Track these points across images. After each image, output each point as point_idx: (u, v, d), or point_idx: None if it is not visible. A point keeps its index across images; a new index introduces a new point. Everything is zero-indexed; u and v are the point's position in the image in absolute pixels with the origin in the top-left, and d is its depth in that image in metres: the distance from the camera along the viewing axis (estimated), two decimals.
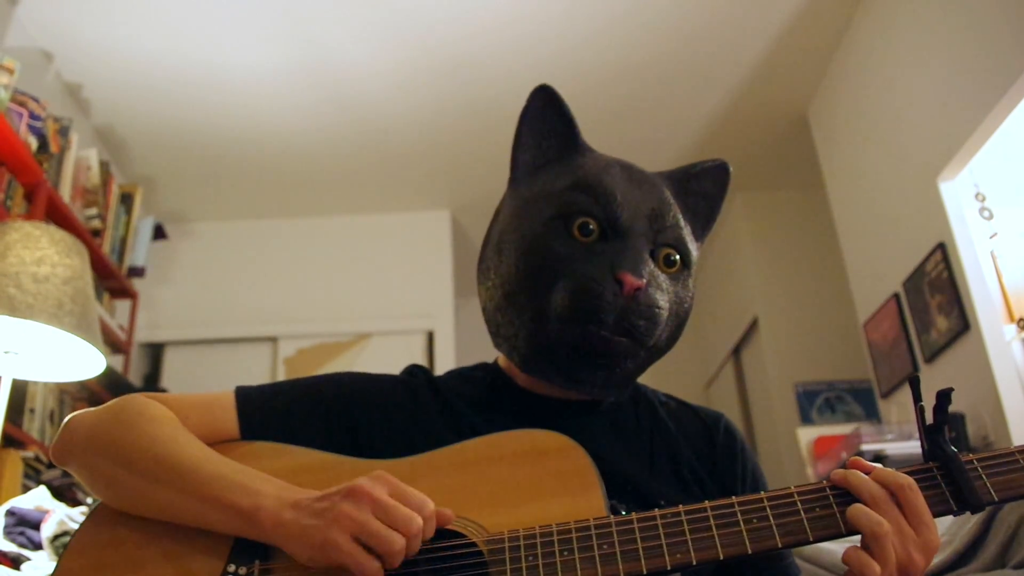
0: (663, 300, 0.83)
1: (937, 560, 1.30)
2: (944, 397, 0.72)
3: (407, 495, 0.70)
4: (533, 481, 0.76)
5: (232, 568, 0.73)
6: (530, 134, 0.94)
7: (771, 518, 0.70)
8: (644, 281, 0.81)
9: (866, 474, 0.71)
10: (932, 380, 2.83)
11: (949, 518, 1.32)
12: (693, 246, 0.91)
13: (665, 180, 0.93)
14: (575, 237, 0.84)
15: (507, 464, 0.78)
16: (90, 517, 0.80)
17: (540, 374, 0.86)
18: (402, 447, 0.83)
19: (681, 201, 0.93)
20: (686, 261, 0.88)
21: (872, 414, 3.70)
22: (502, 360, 0.96)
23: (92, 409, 0.83)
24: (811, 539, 0.69)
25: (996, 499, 0.70)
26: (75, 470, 0.82)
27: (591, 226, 0.84)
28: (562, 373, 0.85)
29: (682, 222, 0.89)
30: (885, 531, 0.67)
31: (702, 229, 0.96)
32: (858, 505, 0.69)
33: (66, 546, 0.77)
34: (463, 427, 0.86)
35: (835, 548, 1.40)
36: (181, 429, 0.81)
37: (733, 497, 0.72)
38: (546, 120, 0.94)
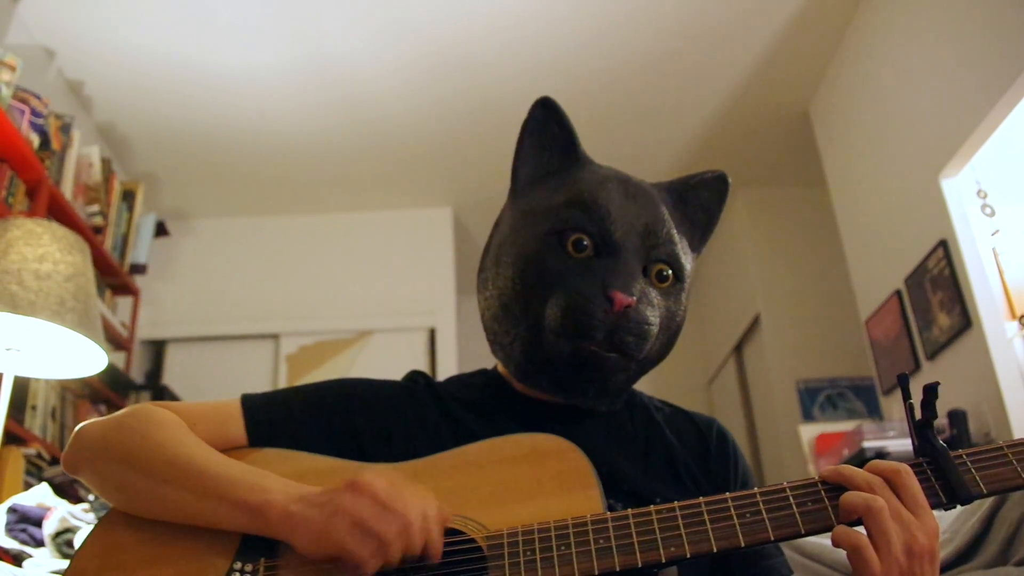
0: (653, 316, 0.84)
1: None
2: (930, 392, 0.74)
3: (404, 490, 0.71)
4: (532, 481, 0.78)
5: (238, 565, 0.74)
6: (531, 146, 0.96)
7: (763, 512, 0.71)
8: (634, 298, 0.82)
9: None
10: (934, 377, 2.82)
11: (950, 515, 1.32)
12: (687, 259, 0.92)
13: (663, 192, 0.94)
14: (569, 253, 0.85)
15: (507, 466, 0.80)
16: (101, 522, 0.82)
17: (535, 384, 0.89)
18: (403, 452, 0.84)
19: (679, 212, 0.94)
20: (679, 276, 0.89)
21: (874, 411, 3.70)
22: (500, 366, 0.98)
23: (101, 418, 0.85)
24: (803, 532, 0.71)
25: (985, 491, 0.72)
26: (86, 477, 0.83)
27: (585, 242, 0.85)
28: (555, 384, 0.87)
29: (676, 237, 0.90)
30: (880, 505, 0.68)
31: (700, 240, 0.97)
32: (851, 491, 0.70)
33: (75, 548, 0.78)
34: (463, 432, 0.88)
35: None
36: (189, 433, 0.82)
37: (726, 493, 0.73)
38: (547, 132, 0.95)
